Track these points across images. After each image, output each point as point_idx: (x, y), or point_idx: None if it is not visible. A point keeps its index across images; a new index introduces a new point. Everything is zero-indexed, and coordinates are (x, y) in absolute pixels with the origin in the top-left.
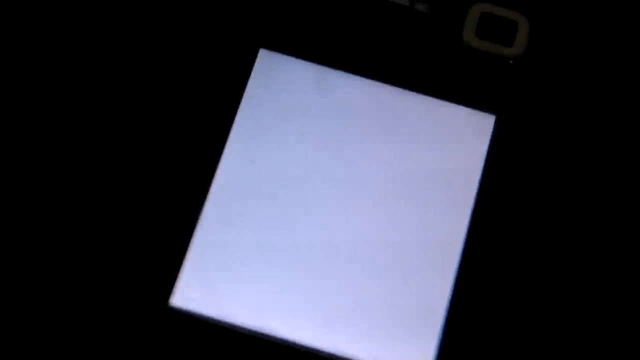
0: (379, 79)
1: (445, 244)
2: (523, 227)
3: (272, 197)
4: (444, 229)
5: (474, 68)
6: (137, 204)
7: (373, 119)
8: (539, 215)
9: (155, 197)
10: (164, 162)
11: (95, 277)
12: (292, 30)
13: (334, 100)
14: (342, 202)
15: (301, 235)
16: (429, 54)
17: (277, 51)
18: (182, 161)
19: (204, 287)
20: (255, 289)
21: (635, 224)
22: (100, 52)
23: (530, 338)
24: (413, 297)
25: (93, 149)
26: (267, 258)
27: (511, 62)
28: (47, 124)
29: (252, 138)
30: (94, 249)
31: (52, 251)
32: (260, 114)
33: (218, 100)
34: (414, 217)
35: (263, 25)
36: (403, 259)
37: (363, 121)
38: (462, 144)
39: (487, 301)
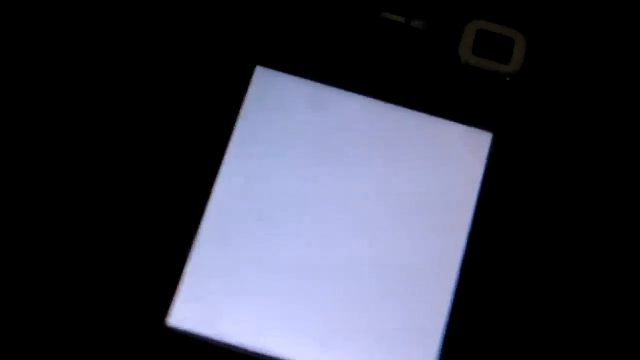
0: (376, 96)
1: (443, 263)
2: (521, 243)
3: (268, 216)
4: (441, 247)
5: (470, 85)
6: (134, 224)
7: (369, 136)
8: (537, 233)
9: (152, 217)
10: (161, 180)
11: (93, 297)
12: (289, 48)
13: (330, 118)
14: (339, 221)
15: (298, 254)
16: (426, 71)
17: (274, 68)
18: (179, 179)
19: (201, 307)
20: (252, 309)
21: (634, 240)
22: (99, 70)
23: (529, 352)
24: (410, 317)
25: (92, 167)
26: (264, 278)
27: (508, 79)
28: (37, 139)
29: (249, 156)
30: (91, 269)
31: (48, 271)
32: (257, 131)
33: (215, 117)
34: (411, 235)
35: (260, 43)
36: (400, 278)
37: (359, 139)
38: (460, 162)
39: (484, 322)
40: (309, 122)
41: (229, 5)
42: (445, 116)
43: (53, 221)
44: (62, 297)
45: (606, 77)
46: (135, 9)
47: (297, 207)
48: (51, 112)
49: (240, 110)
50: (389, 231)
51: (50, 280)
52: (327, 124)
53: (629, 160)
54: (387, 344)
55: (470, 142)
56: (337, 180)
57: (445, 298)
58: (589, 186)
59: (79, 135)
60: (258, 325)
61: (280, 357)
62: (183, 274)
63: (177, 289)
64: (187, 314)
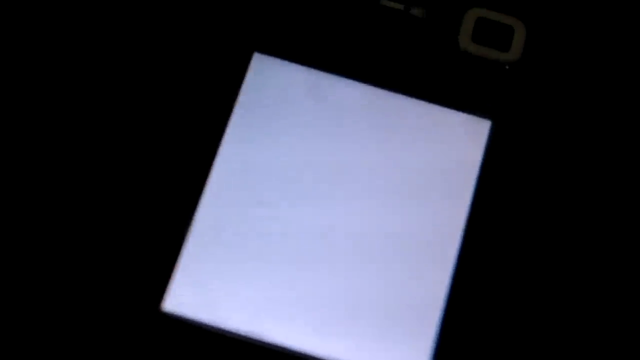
0: (374, 83)
1: (441, 250)
2: (518, 232)
3: (265, 201)
4: (439, 234)
5: (469, 73)
6: (129, 208)
7: (368, 123)
8: (535, 220)
9: (147, 202)
10: (157, 165)
11: (87, 282)
12: (287, 35)
13: (328, 105)
14: (336, 207)
15: (294, 239)
16: (425, 58)
17: (272, 55)
18: (176, 165)
19: (196, 292)
20: (248, 293)
21: (633, 228)
22: (94, 56)
23: (526, 340)
24: (407, 302)
25: (85, 151)
26: (260, 262)
27: (507, 67)
28: (32, 133)
29: (246, 142)
30: (85, 254)
31: (43, 256)
32: (254, 118)
33: (212, 104)
34: (409, 222)
35: (257, 29)
36: (398, 264)
37: (358, 126)
38: (458, 149)
39: (482, 305)
40: (306, 109)
41: None
42: (444, 104)
43: (45, 206)
44: (56, 282)
45: (605, 66)
46: None
47: (293, 192)
48: (44, 99)
49: (238, 98)
50: (387, 218)
51: (44, 265)
52: (325, 111)
53: (628, 146)
54: (384, 328)
55: (469, 129)
56: (335, 167)
57: (442, 283)
58: (587, 174)
59: (75, 122)
60: (254, 310)
61: (277, 342)
62: (178, 258)
63: (172, 273)
64: (182, 298)
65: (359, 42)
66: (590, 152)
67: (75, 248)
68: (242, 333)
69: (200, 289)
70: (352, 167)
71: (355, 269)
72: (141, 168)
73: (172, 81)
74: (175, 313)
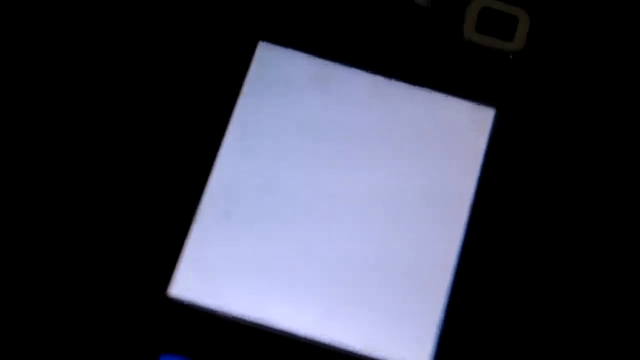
0: (378, 72)
1: (444, 237)
2: (522, 219)
3: (270, 189)
4: (442, 222)
5: (473, 62)
6: (135, 194)
7: (372, 112)
8: (539, 208)
9: (153, 188)
10: (163, 153)
11: (92, 267)
12: (292, 23)
13: (332, 93)
14: (340, 194)
15: (302, 226)
16: (429, 48)
17: (277, 44)
18: (182, 153)
19: (202, 277)
20: (255, 279)
21: (637, 217)
22: (96, 44)
23: (529, 339)
24: (413, 290)
25: (92, 140)
26: (267, 248)
27: (511, 56)
28: (41, 124)
29: (251, 131)
30: (90, 238)
31: (48, 241)
32: (259, 107)
33: (216, 93)
34: (412, 210)
35: (262, 18)
36: (401, 253)
37: (362, 114)
38: (462, 136)
39: (485, 299)
40: (311, 98)
41: None
42: (449, 92)
43: (51, 191)
44: (61, 269)
45: (610, 55)
46: None
47: (299, 180)
48: (46, 94)
49: (243, 86)
50: (391, 206)
51: (49, 252)
52: (330, 99)
53: (633, 135)
54: (390, 315)
55: (474, 117)
56: (339, 155)
57: (445, 274)
58: (591, 162)
59: (81, 115)
60: (261, 296)
61: (283, 328)
62: (185, 243)
63: (179, 258)
64: (188, 284)
65: (363, 30)
66: (594, 140)
67: (82, 235)
68: (248, 319)
69: (206, 275)
70: (355, 155)
71: (360, 258)
72: (147, 155)
73: (175, 70)
74: (181, 298)
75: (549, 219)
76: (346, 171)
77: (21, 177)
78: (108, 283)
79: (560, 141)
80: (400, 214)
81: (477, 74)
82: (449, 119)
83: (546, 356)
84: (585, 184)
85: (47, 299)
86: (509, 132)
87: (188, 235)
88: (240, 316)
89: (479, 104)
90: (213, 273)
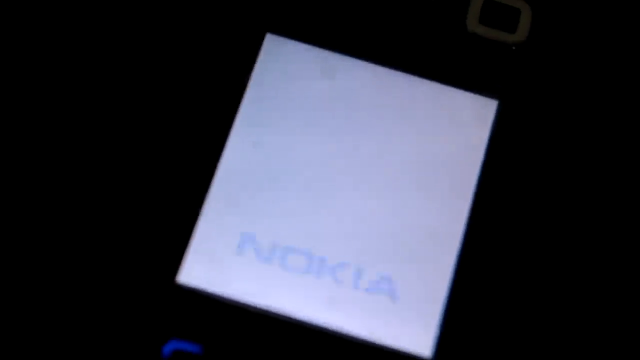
0: (384, 64)
1: (445, 229)
2: (524, 211)
3: (277, 178)
4: (444, 213)
5: (477, 54)
6: (145, 184)
7: (377, 103)
8: (540, 201)
9: (163, 178)
10: (171, 144)
11: (104, 255)
12: (299, 16)
13: (338, 85)
14: (345, 185)
15: (306, 215)
16: (434, 40)
17: (284, 36)
18: (190, 143)
19: (211, 265)
20: (262, 266)
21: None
22: (101, 38)
23: (533, 327)
24: (415, 277)
25: (102, 130)
26: (273, 236)
27: (514, 48)
28: (50, 122)
29: (258, 122)
30: (101, 227)
31: (61, 230)
32: (267, 99)
33: (224, 85)
34: (415, 201)
35: (270, 10)
36: (402, 243)
37: (367, 105)
38: (465, 127)
39: (487, 289)
40: (318, 90)
41: None
42: (452, 84)
43: (60, 179)
44: (75, 256)
45: (612, 47)
46: None
47: (305, 170)
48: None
49: (250, 78)
50: (393, 197)
51: (64, 239)
52: (335, 91)
53: (635, 126)
54: (392, 304)
55: (477, 108)
56: (344, 147)
57: (447, 266)
58: (593, 153)
59: (91, 107)
60: (267, 283)
61: (289, 314)
62: (193, 231)
63: (188, 246)
64: (197, 271)
65: (369, 23)
66: (597, 132)
67: (94, 224)
68: (256, 305)
69: (214, 262)
70: (361, 147)
71: (364, 246)
72: (157, 146)
73: (184, 62)
74: (190, 285)
75: (551, 212)
76: (351, 162)
77: (33, 168)
78: (119, 271)
79: (562, 133)
80: (403, 205)
81: (480, 65)
82: (452, 110)
83: (550, 351)
84: (588, 175)
85: (61, 286)
86: (511, 123)
87: (196, 224)
88: (247, 303)
89: (482, 96)
90: (221, 260)
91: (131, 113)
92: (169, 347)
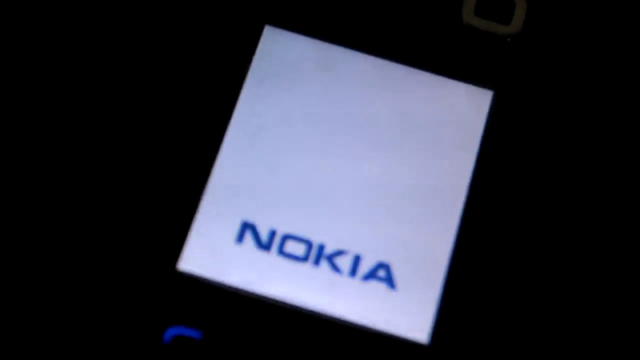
0: (381, 55)
1: (442, 216)
2: (519, 203)
3: (277, 168)
4: (440, 202)
5: (472, 46)
6: (146, 174)
7: (374, 93)
8: (536, 191)
9: (163, 168)
10: (171, 136)
11: (105, 243)
12: (298, 8)
13: (335, 76)
14: (344, 174)
15: (305, 204)
16: (430, 32)
17: (283, 28)
18: (190, 134)
19: (211, 252)
20: (261, 254)
21: (636, 202)
22: (97, 31)
23: (528, 315)
24: (411, 267)
25: (101, 122)
26: (272, 224)
27: (509, 40)
28: (49, 119)
29: (257, 113)
30: (103, 216)
31: (58, 219)
32: (266, 90)
33: (223, 77)
34: (412, 190)
35: (268, 2)
36: (400, 231)
37: (364, 96)
38: (461, 117)
39: (483, 277)
40: (315, 80)
41: None
42: (448, 75)
43: (63, 170)
44: (73, 242)
45: (606, 39)
46: None
47: (304, 158)
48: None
49: (249, 70)
50: (392, 184)
51: (61, 226)
52: (333, 82)
53: (629, 117)
54: (390, 290)
55: (472, 99)
56: (342, 138)
57: (444, 257)
58: (587, 143)
59: (91, 103)
60: (267, 270)
61: (288, 301)
62: (194, 219)
63: (188, 233)
64: (197, 258)
65: (366, 15)
66: (591, 122)
67: (95, 213)
68: (255, 292)
69: (215, 249)
70: (358, 138)
71: (364, 234)
72: (157, 138)
73: (182, 54)
74: (190, 272)
75: (546, 202)
76: (348, 151)
77: (33, 160)
78: (120, 258)
79: (557, 123)
80: (400, 194)
81: (475, 57)
82: (448, 100)
83: (546, 338)
84: (582, 164)
85: (62, 273)
86: (506, 113)
87: (196, 212)
88: (246, 290)
89: (477, 87)
90: (221, 248)
91: (131, 104)
92: (170, 333)
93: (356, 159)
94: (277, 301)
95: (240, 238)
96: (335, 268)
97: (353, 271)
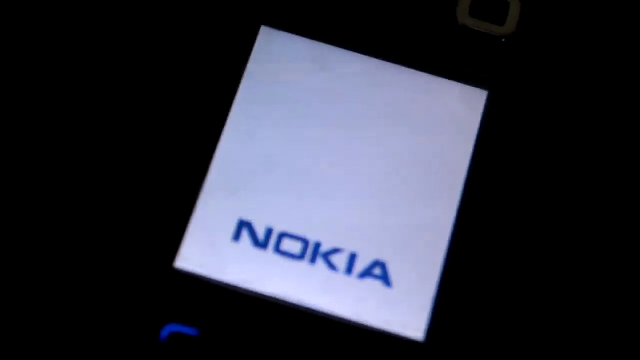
0: (376, 55)
1: (438, 215)
2: (514, 201)
3: (272, 166)
4: (436, 200)
5: (467, 46)
6: (144, 172)
7: (369, 93)
8: (530, 190)
9: (161, 166)
10: (169, 134)
11: (103, 241)
12: (293, 8)
13: (331, 76)
14: (340, 173)
15: (300, 200)
16: (425, 32)
17: (279, 28)
18: (187, 133)
19: (208, 250)
20: (258, 252)
21: (631, 200)
22: (95, 31)
23: (522, 317)
24: (406, 266)
25: (99, 122)
26: (268, 222)
27: (503, 40)
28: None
29: (254, 113)
30: (100, 214)
31: (55, 218)
32: (262, 90)
33: (219, 76)
34: (407, 189)
35: (264, 3)
36: (395, 230)
37: (359, 96)
38: (456, 117)
39: (478, 276)
40: (311, 80)
41: None
42: (443, 75)
43: (62, 170)
44: (71, 240)
45: (599, 39)
46: None
47: (299, 162)
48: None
49: (245, 71)
50: (387, 182)
51: (59, 224)
52: (328, 82)
53: (623, 117)
54: (386, 287)
55: (467, 99)
56: (338, 137)
57: (439, 255)
58: (582, 142)
59: (88, 104)
60: (263, 268)
61: (285, 298)
62: (191, 218)
63: (185, 231)
64: (194, 256)
65: (362, 15)
66: (585, 121)
67: (92, 211)
68: (252, 290)
69: (212, 247)
70: (353, 137)
71: (358, 235)
72: (155, 136)
73: (179, 54)
74: (187, 270)
75: (540, 201)
76: (344, 150)
77: (31, 158)
78: (118, 256)
79: (551, 122)
80: (395, 194)
81: (470, 57)
82: (443, 100)
83: (540, 334)
84: (577, 163)
85: (60, 271)
86: (501, 113)
87: (194, 210)
88: (243, 287)
89: (472, 86)
90: (218, 246)
91: (128, 103)
92: (167, 330)
93: (352, 159)
94: (273, 299)
95: (237, 236)
96: (332, 266)
97: (349, 269)
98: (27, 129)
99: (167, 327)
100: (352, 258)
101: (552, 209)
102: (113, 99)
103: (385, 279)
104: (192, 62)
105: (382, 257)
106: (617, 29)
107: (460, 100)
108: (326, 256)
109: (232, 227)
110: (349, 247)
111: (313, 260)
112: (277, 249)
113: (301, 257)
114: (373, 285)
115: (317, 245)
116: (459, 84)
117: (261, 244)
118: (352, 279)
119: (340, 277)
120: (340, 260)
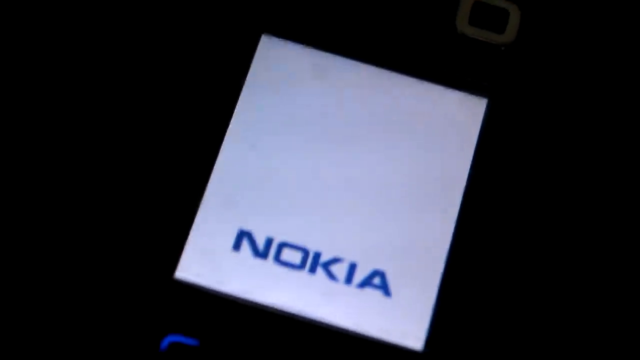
0: (376, 63)
1: (437, 224)
2: (514, 210)
3: (273, 176)
4: (435, 209)
5: (466, 54)
6: (143, 182)
7: (369, 102)
8: (530, 199)
9: (160, 176)
10: (168, 143)
11: (103, 251)
12: (294, 17)
13: (332, 85)
14: (340, 183)
15: (300, 212)
16: (424, 40)
17: (280, 37)
18: (187, 143)
19: (208, 261)
20: (257, 262)
21: (631, 203)
22: (97, 38)
23: (522, 326)
24: (406, 275)
25: (100, 130)
26: (268, 234)
27: (503, 48)
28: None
29: (254, 121)
30: (100, 224)
31: (56, 227)
32: (263, 99)
33: (220, 85)
34: (407, 198)
35: (265, 11)
36: (395, 239)
37: (359, 104)
38: (456, 125)
39: (478, 285)
40: (311, 89)
41: None
42: (443, 83)
43: (62, 178)
44: (71, 250)
45: (599, 47)
46: None
47: (300, 167)
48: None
49: (245, 79)
50: (387, 192)
51: (59, 234)
52: (329, 91)
53: (623, 124)
54: (386, 298)
55: (467, 107)
56: (338, 146)
57: (439, 264)
58: (581, 150)
59: (88, 109)
60: (263, 278)
61: (285, 309)
62: (191, 228)
63: (185, 242)
64: (194, 267)
65: (362, 24)
66: (585, 129)
67: (93, 220)
68: (255, 301)
69: (211, 258)
70: (352, 145)
71: (360, 246)
72: (155, 145)
73: (180, 62)
74: (187, 281)
75: (540, 209)
76: (344, 159)
77: (32, 162)
78: (118, 266)
79: (551, 130)
80: (394, 203)
81: (470, 65)
82: (443, 108)
83: (540, 344)
84: (577, 172)
85: (60, 281)
86: (501, 121)
87: (194, 220)
88: (243, 298)
89: (472, 95)
90: (218, 256)
91: (129, 112)
92: (167, 341)
93: (352, 168)
94: (273, 309)
95: (236, 246)
96: (331, 276)
97: (349, 279)
98: (26, 133)
99: (167, 338)
100: (352, 268)
101: (552, 218)
102: (112, 107)
103: (384, 288)
104: (192, 70)
105: (381, 266)
106: (617, 36)
107: (460, 109)
108: (326, 266)
109: (232, 237)
110: (348, 257)
111: (313, 269)
112: (277, 259)
113: (301, 266)
114: (372, 294)
115: (317, 255)
116: (459, 92)
117: (261, 254)
118: (352, 289)
119: (339, 287)
120: (339, 270)
